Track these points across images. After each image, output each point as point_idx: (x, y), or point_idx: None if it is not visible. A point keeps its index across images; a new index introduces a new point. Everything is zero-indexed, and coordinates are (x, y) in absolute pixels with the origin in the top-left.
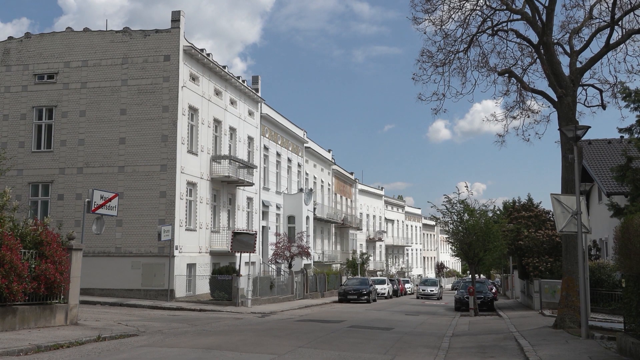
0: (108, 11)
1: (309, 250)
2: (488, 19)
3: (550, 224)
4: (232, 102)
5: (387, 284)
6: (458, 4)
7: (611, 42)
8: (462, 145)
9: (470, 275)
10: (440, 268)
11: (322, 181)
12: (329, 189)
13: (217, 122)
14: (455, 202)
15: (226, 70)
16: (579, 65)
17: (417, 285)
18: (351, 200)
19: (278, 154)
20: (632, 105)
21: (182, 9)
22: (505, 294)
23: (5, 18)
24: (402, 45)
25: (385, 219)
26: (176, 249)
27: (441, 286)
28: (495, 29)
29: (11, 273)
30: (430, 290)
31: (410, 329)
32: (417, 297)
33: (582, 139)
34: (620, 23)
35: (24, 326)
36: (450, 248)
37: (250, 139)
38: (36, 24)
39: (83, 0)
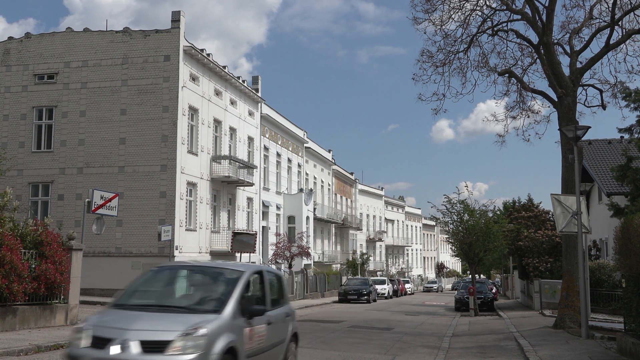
0: (114, 11)
1: (309, 251)
2: (488, 19)
3: (550, 224)
4: (232, 102)
5: (387, 284)
6: (458, 4)
7: (611, 42)
8: (465, 145)
9: (470, 276)
10: (440, 268)
11: (322, 181)
12: (329, 189)
13: (217, 122)
14: (455, 202)
15: (226, 70)
16: (579, 65)
17: None
18: (351, 201)
19: (278, 154)
20: (632, 105)
21: (188, 9)
22: (505, 294)
23: (11, 18)
24: (406, 45)
25: (385, 219)
26: (176, 249)
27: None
28: (495, 29)
29: (11, 273)
30: None
31: (410, 329)
32: None
33: (582, 139)
34: (620, 23)
35: (24, 326)
36: (451, 248)
37: (251, 139)
38: (42, 24)
39: (89, 0)
